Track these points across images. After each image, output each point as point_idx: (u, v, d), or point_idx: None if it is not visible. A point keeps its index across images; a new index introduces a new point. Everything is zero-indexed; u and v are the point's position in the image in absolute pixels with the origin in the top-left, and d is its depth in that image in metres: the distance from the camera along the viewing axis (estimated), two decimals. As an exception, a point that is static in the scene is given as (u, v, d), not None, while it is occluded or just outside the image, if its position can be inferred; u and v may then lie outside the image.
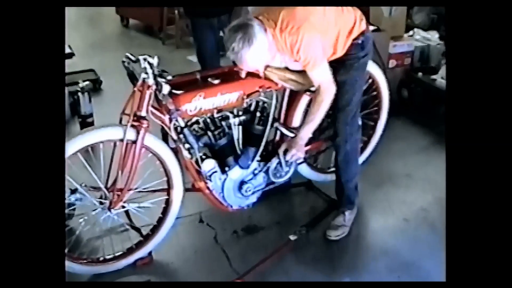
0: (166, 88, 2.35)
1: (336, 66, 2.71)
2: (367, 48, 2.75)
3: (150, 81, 2.36)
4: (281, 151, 2.81)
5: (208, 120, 2.59)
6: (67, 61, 4.68)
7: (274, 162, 2.87)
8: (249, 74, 2.66)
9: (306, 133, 2.75)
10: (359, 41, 2.69)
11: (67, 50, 4.90)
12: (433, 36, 4.90)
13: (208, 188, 2.70)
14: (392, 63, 4.52)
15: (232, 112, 2.65)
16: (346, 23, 2.65)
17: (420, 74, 4.49)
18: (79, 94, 4.16)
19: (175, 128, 2.50)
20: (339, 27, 2.62)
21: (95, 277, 2.65)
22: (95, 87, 4.98)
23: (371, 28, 2.81)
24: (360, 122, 3.20)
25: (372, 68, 3.15)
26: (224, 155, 2.69)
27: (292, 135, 2.86)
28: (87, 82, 4.36)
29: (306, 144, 3.00)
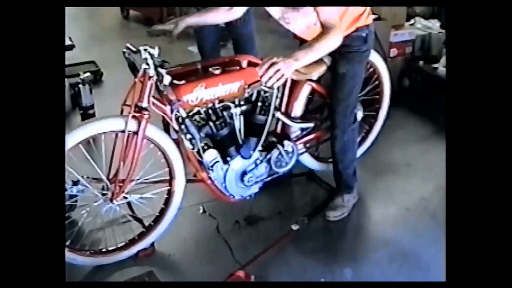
0: (167, 79, 2.34)
1: (338, 58, 2.73)
2: (369, 42, 2.76)
3: (151, 71, 2.35)
4: (266, 65, 2.38)
5: (210, 110, 2.58)
6: (67, 53, 4.67)
7: (275, 152, 2.87)
8: (250, 64, 2.65)
9: (303, 55, 2.42)
10: (363, 34, 2.70)
11: (68, 42, 4.89)
12: (434, 25, 4.88)
13: (210, 178, 2.70)
14: (393, 52, 4.50)
15: (233, 102, 2.63)
16: (355, 9, 2.67)
17: (421, 63, 4.48)
18: (80, 86, 4.16)
19: (177, 119, 2.49)
20: (347, 8, 2.62)
21: (97, 268, 2.66)
22: (96, 78, 4.98)
23: (373, 16, 2.80)
24: (361, 113, 3.21)
25: (374, 57, 3.15)
26: (226, 145, 2.69)
27: (293, 124, 2.86)
28: (87, 74, 4.36)
29: (307, 134, 3.01)
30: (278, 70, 2.35)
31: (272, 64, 2.36)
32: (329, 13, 2.43)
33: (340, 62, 2.74)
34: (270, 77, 2.36)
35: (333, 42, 2.45)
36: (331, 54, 2.69)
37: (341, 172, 3.04)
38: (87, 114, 4.15)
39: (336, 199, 3.07)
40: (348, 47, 2.69)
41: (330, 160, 3.27)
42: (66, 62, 4.72)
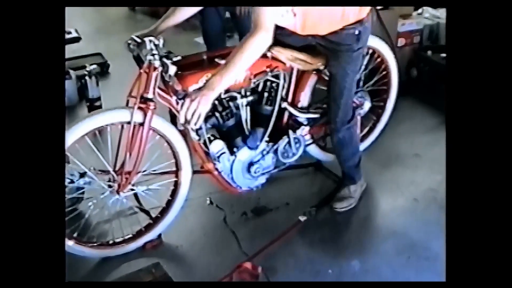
0: (172, 69, 2.33)
1: (329, 56, 2.67)
2: (363, 40, 2.62)
3: (156, 62, 2.34)
4: (183, 110, 2.29)
5: (216, 101, 2.56)
6: (74, 45, 4.68)
7: (282, 142, 2.86)
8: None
9: (218, 81, 2.28)
10: (356, 32, 2.55)
11: (74, 34, 4.88)
12: (443, 14, 4.82)
13: (216, 169, 2.69)
14: (401, 42, 4.45)
15: (239, 93, 2.62)
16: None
17: (429, 52, 4.44)
18: (87, 78, 4.16)
19: (182, 109, 2.48)
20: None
21: (104, 260, 2.67)
22: (103, 70, 4.96)
23: (367, 9, 2.62)
24: (369, 104, 3.18)
25: (382, 47, 3.12)
26: (232, 136, 2.68)
27: (300, 114, 2.84)
28: (94, 66, 4.35)
29: (314, 125, 2.99)
30: (195, 110, 2.25)
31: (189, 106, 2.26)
32: (260, 11, 2.27)
33: (330, 62, 2.68)
34: (189, 118, 2.27)
35: (254, 47, 2.30)
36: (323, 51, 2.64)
37: (342, 165, 3.05)
38: (94, 106, 4.15)
39: (343, 190, 3.06)
40: (338, 45, 2.59)
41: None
42: (73, 54, 4.76)
